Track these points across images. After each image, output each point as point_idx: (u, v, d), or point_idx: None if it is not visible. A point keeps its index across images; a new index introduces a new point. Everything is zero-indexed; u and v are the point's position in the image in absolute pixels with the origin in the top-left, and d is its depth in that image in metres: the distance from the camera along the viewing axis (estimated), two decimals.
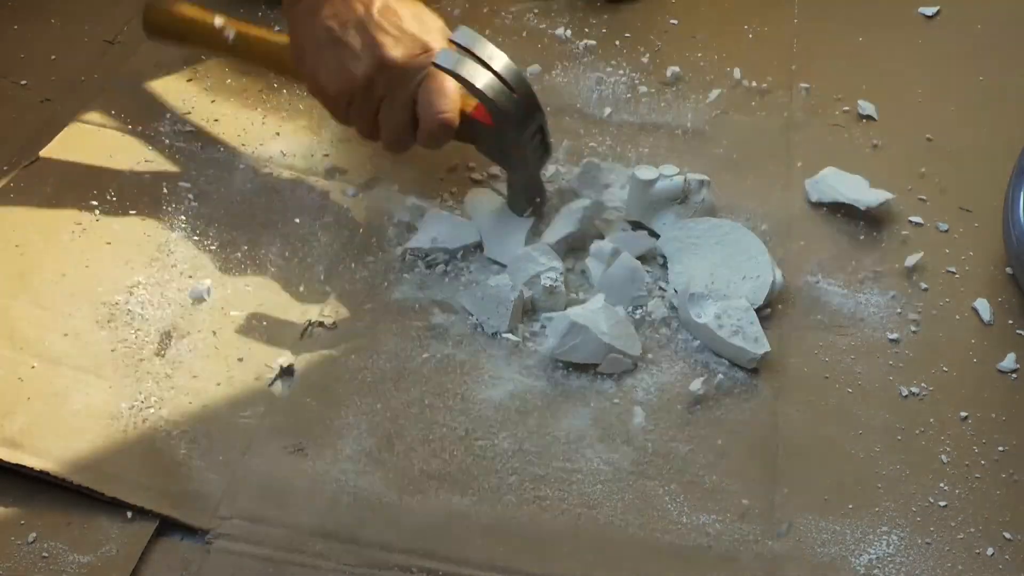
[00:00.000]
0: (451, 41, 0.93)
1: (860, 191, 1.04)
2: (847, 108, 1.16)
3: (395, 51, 0.92)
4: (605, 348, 0.89)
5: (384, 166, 1.05)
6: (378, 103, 0.94)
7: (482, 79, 0.91)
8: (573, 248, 0.98)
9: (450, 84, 0.93)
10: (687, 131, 1.12)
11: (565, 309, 0.92)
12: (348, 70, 0.93)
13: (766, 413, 0.89)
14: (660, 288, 0.96)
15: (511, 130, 0.94)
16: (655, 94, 1.16)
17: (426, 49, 0.93)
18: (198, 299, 0.92)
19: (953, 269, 1.01)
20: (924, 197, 1.07)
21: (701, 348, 0.92)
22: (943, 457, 0.87)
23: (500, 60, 0.93)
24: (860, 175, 1.08)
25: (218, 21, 1.03)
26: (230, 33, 1.02)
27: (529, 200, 0.98)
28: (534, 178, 0.98)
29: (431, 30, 0.95)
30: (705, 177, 1.01)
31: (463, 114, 0.95)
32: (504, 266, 0.96)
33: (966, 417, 0.89)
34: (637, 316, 0.94)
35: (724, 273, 0.94)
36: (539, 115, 0.95)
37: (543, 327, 0.93)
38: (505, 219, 0.99)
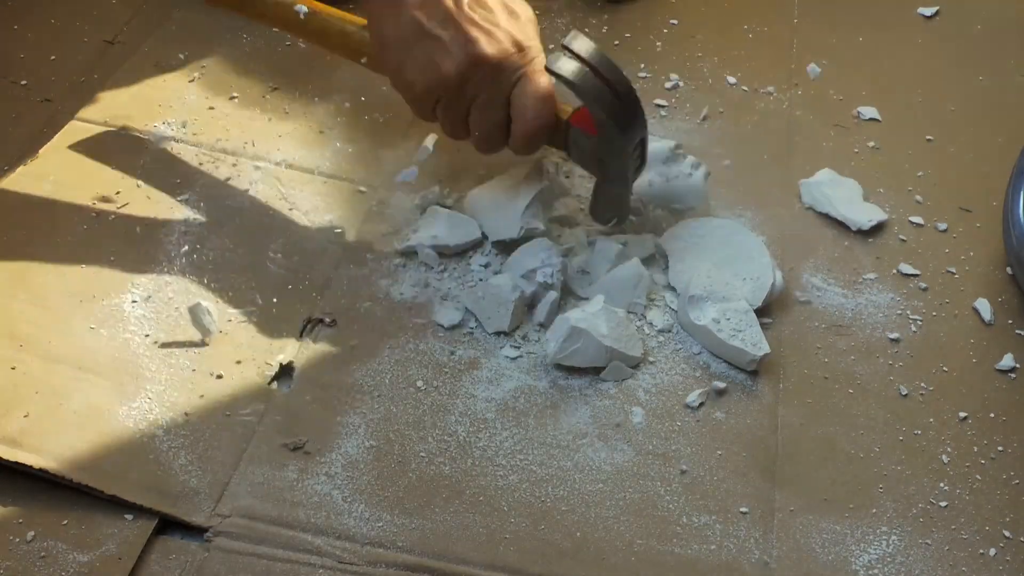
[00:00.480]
0: (563, 46, 0.89)
1: (853, 206, 1.03)
2: (847, 109, 1.16)
3: (489, 48, 0.89)
4: (607, 351, 0.89)
5: (386, 167, 1.05)
6: (469, 102, 0.91)
7: (595, 89, 0.89)
8: (545, 203, 0.99)
9: (547, 87, 0.91)
10: (686, 132, 1.12)
11: (558, 304, 0.92)
12: (438, 66, 0.89)
13: (766, 414, 0.89)
14: (666, 287, 0.96)
15: (616, 142, 0.91)
16: (655, 94, 1.16)
17: (520, 47, 0.90)
18: (197, 297, 0.92)
19: (953, 269, 1.01)
20: (924, 198, 1.07)
21: (701, 349, 0.92)
22: (943, 457, 0.87)
23: (611, 70, 0.90)
24: (860, 177, 1.08)
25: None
26: (302, 9, 0.97)
27: (616, 211, 0.97)
28: (627, 191, 0.96)
29: (525, 25, 0.92)
30: (700, 162, 1.00)
31: (562, 121, 0.92)
32: (506, 256, 0.96)
33: (966, 417, 0.89)
34: (638, 323, 0.94)
35: (724, 274, 0.94)
36: (643, 128, 0.93)
37: (540, 325, 0.92)
38: (502, 200, 0.97)
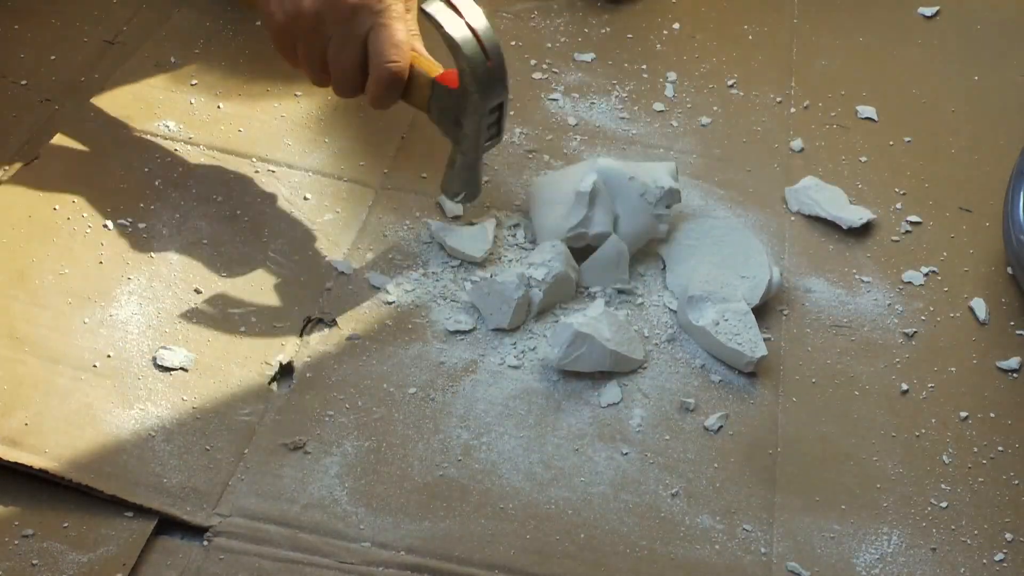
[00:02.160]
0: None
1: (840, 207, 1.03)
2: (847, 109, 1.16)
3: None
4: (610, 355, 0.89)
5: (390, 168, 1.05)
6: (326, 42, 0.91)
7: (463, 36, 0.90)
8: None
9: (403, 35, 0.91)
10: (685, 133, 1.12)
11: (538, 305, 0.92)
12: (296, 2, 0.90)
13: (765, 414, 0.89)
14: (662, 289, 0.96)
15: (473, 97, 0.91)
16: (654, 95, 1.16)
17: None
18: (197, 297, 0.92)
19: (953, 269, 1.01)
20: (924, 197, 1.07)
21: (700, 350, 0.92)
22: (943, 457, 0.87)
23: (482, 24, 0.91)
24: (860, 176, 1.08)
25: None
26: None
27: (465, 184, 0.97)
28: (476, 161, 0.96)
29: None
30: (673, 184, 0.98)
31: (426, 77, 0.93)
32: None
33: (966, 417, 0.89)
34: (636, 327, 0.94)
35: (722, 272, 0.94)
36: (504, 91, 0.93)
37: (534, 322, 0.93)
38: (558, 197, 0.97)
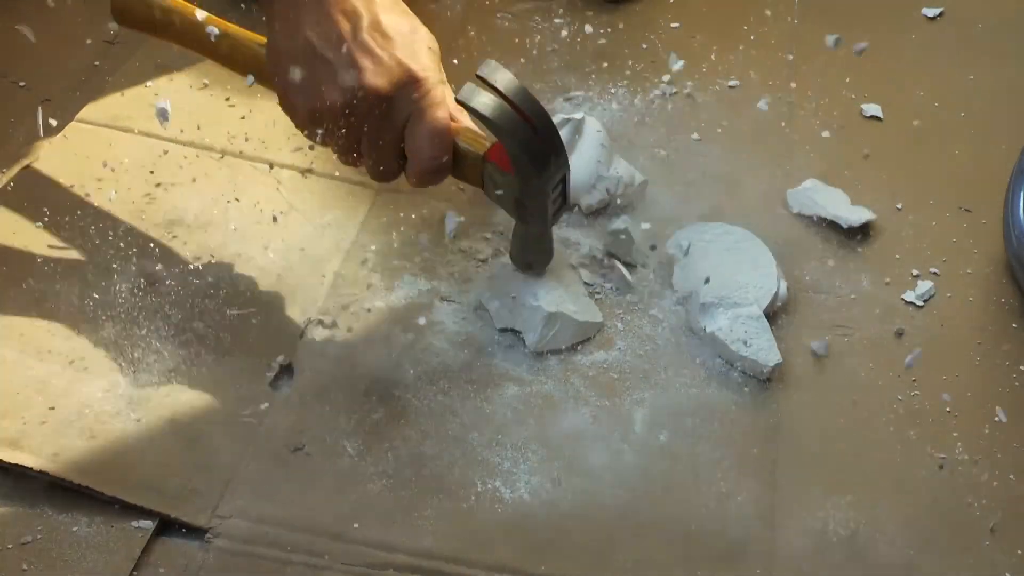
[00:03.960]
0: (478, 76, 0.84)
1: (841, 207, 1.03)
2: (848, 109, 1.16)
3: (377, 79, 0.82)
4: (579, 327, 0.90)
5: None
6: (358, 133, 0.85)
7: (511, 125, 0.83)
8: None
9: (443, 123, 0.85)
10: (685, 133, 1.12)
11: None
12: (322, 95, 0.83)
13: (767, 412, 0.89)
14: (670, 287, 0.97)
15: (533, 181, 0.85)
16: (653, 94, 1.16)
17: (414, 79, 0.83)
18: (198, 294, 0.92)
19: (953, 269, 1.01)
20: (924, 197, 1.07)
21: (701, 349, 0.92)
22: (943, 456, 0.87)
23: (530, 103, 0.84)
24: (860, 176, 1.08)
25: (200, 15, 0.92)
26: (213, 30, 0.91)
27: (536, 255, 0.92)
28: (546, 233, 0.91)
29: (423, 55, 0.85)
30: (636, 176, 1.03)
31: (476, 156, 0.87)
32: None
33: (966, 417, 0.89)
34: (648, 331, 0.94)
35: (728, 279, 0.93)
36: (564, 163, 0.87)
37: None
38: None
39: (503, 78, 0.84)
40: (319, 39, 0.83)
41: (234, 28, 0.93)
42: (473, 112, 0.84)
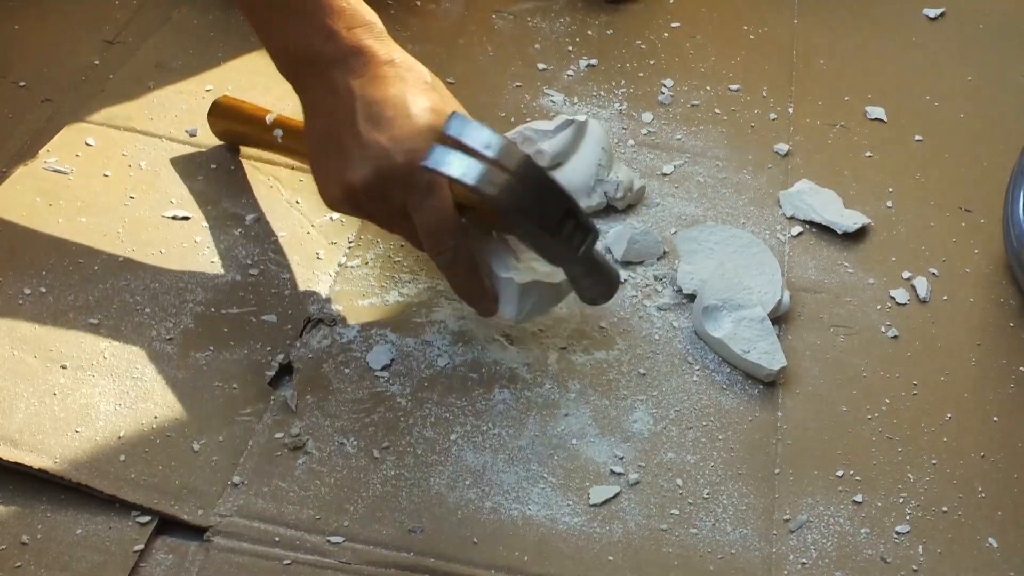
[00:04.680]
0: (444, 134, 0.79)
1: (834, 212, 1.03)
2: (847, 109, 1.16)
3: (363, 172, 0.81)
4: (556, 289, 0.87)
5: None
6: (370, 218, 0.86)
7: (475, 176, 0.77)
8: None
9: (441, 214, 0.81)
10: (684, 132, 1.12)
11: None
12: (326, 184, 0.85)
13: (767, 412, 0.89)
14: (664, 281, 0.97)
15: (529, 225, 0.80)
16: (653, 96, 1.16)
17: (398, 168, 0.80)
18: (196, 297, 0.92)
19: (953, 269, 1.01)
20: (924, 197, 1.07)
21: (702, 348, 0.92)
22: (943, 456, 0.87)
23: (499, 145, 0.78)
24: (860, 176, 1.08)
25: (269, 117, 0.97)
26: (279, 132, 0.96)
27: (591, 288, 0.86)
28: (583, 268, 0.84)
29: (409, 135, 0.81)
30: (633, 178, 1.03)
31: (487, 226, 0.84)
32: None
33: (966, 417, 0.89)
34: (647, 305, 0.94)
35: (733, 282, 0.93)
36: (562, 202, 0.80)
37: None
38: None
39: (468, 130, 0.79)
40: (322, 133, 0.85)
41: (291, 120, 0.96)
42: (440, 176, 0.78)
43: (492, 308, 0.86)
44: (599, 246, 0.87)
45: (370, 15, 0.86)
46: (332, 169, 0.84)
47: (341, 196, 0.84)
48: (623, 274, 0.97)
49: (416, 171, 0.80)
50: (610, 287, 0.87)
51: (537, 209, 0.79)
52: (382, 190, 0.81)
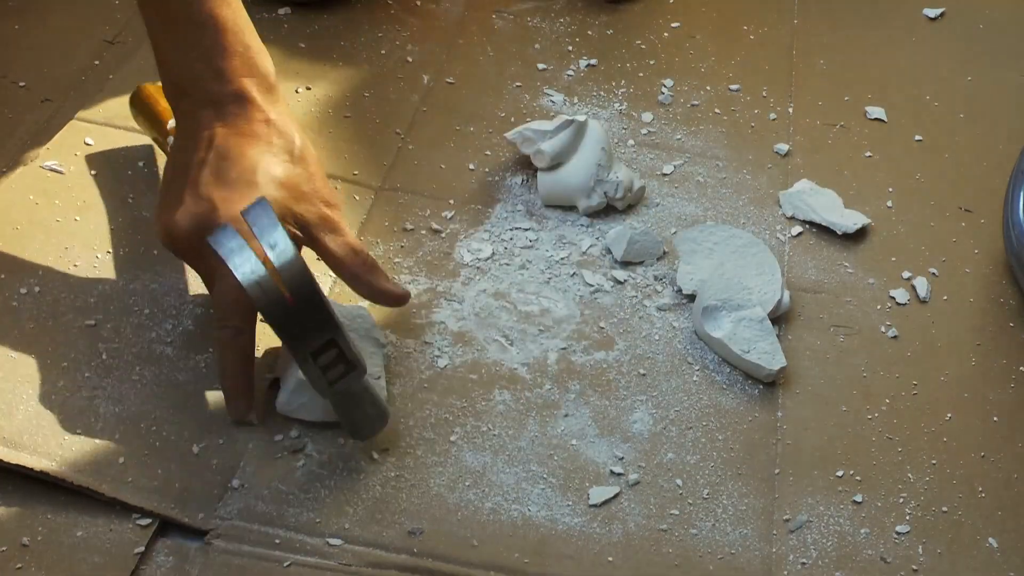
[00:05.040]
0: (241, 214, 0.76)
1: (835, 213, 1.03)
2: (847, 109, 1.16)
3: (183, 221, 0.79)
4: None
5: (390, 168, 1.05)
6: (202, 274, 0.83)
7: (248, 276, 0.74)
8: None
9: (224, 294, 0.79)
10: (684, 132, 1.12)
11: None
12: (159, 223, 0.82)
13: (767, 412, 0.89)
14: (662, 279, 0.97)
15: (286, 342, 0.77)
16: (653, 96, 1.16)
17: (206, 226, 0.78)
18: (196, 298, 0.92)
19: (953, 269, 1.01)
20: (925, 197, 1.07)
21: (701, 348, 0.92)
22: (943, 456, 0.87)
23: (284, 256, 0.74)
24: (860, 176, 1.08)
25: (171, 123, 0.94)
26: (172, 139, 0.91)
27: (353, 423, 0.81)
28: (346, 398, 0.79)
29: (255, 196, 0.78)
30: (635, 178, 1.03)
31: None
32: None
33: (966, 417, 0.89)
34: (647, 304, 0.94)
35: (733, 282, 0.93)
36: (326, 331, 0.75)
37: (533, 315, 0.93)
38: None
39: (262, 224, 0.75)
40: (173, 166, 0.84)
41: None
42: (217, 256, 0.75)
43: (244, 411, 0.82)
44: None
45: (265, 66, 0.85)
46: (165, 207, 0.82)
47: (163, 237, 0.82)
48: (623, 274, 0.97)
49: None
50: (369, 428, 0.81)
51: (293, 331, 0.75)
52: (198, 246, 0.79)
